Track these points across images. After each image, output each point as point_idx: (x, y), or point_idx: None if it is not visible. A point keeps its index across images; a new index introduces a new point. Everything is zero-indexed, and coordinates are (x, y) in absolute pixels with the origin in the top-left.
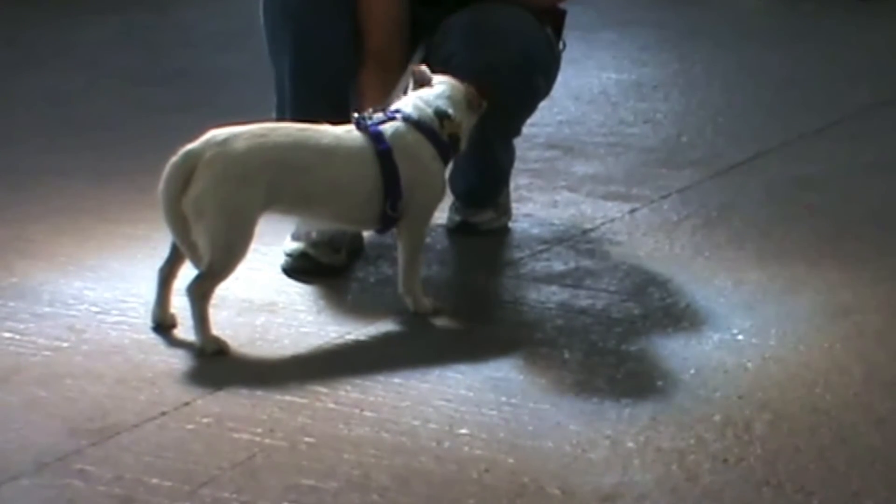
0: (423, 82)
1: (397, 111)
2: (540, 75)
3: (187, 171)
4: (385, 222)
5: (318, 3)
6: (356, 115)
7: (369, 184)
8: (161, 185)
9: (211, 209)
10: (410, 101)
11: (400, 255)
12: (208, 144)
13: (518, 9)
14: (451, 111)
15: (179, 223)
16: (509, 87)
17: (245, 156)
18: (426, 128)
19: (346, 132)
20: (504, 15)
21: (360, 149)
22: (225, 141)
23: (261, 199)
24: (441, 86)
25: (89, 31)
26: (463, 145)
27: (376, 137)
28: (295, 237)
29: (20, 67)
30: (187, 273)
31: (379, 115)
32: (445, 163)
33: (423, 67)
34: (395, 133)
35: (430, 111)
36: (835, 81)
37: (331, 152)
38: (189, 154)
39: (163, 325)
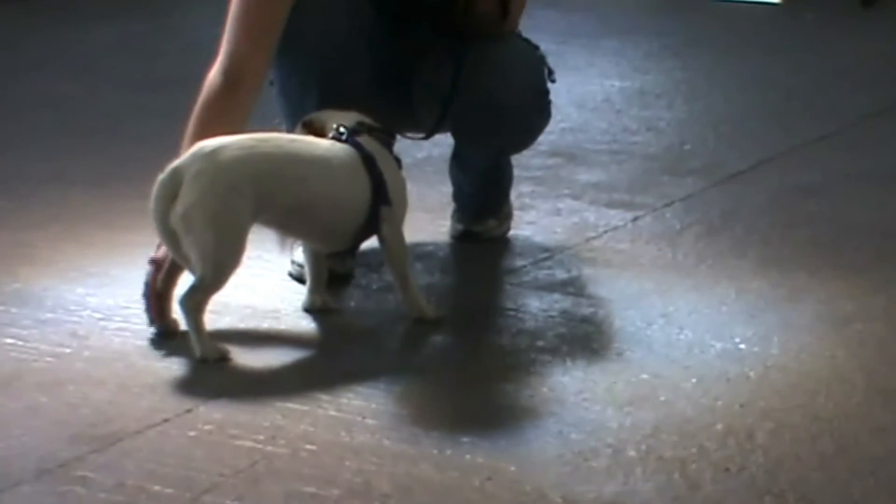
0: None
1: (360, 125)
2: (546, 99)
3: (175, 187)
4: (370, 229)
5: (343, 47)
6: (334, 127)
7: (361, 190)
8: (151, 203)
9: (199, 222)
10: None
11: (392, 271)
12: (195, 157)
13: (515, 41)
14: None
15: (172, 238)
16: (525, 122)
17: (233, 166)
18: (388, 142)
19: (332, 143)
20: (505, 51)
21: (349, 157)
22: (212, 153)
23: (250, 209)
24: (353, 117)
25: (87, 37)
26: None
27: (358, 147)
28: None
29: (18, 73)
30: (187, 279)
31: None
32: None
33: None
34: (370, 143)
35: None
36: (836, 89)
37: (325, 162)
38: (176, 170)
39: (165, 332)
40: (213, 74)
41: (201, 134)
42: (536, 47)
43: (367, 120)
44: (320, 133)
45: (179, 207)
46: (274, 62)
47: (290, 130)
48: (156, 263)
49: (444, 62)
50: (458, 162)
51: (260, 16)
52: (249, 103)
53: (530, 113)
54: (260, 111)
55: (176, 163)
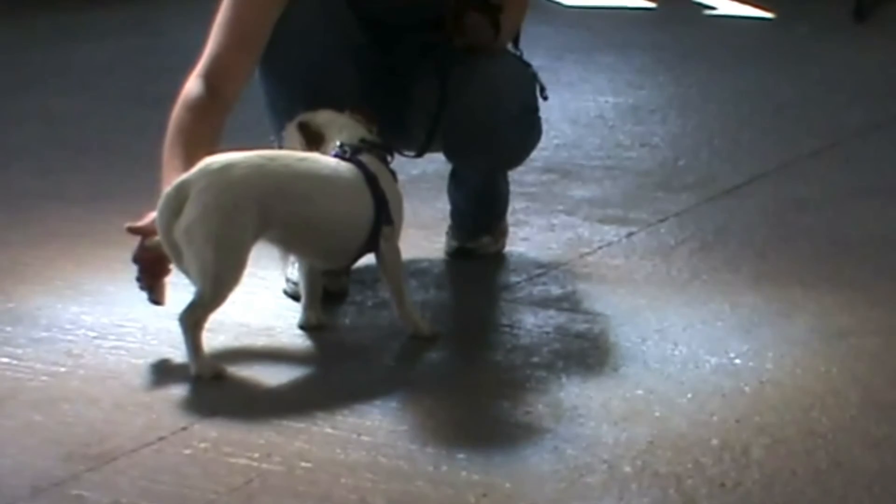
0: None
1: (362, 141)
2: (535, 116)
3: (181, 201)
4: (369, 247)
5: (329, 63)
6: (338, 145)
7: (365, 211)
8: (156, 216)
9: (200, 238)
10: (358, 134)
11: (388, 284)
12: (202, 173)
13: (505, 57)
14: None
15: (176, 251)
16: (515, 138)
17: (239, 184)
18: (384, 157)
19: (337, 162)
20: (495, 68)
21: (354, 177)
22: (220, 169)
23: (254, 227)
24: (352, 127)
25: (86, 53)
26: None
27: (361, 166)
28: None
29: (17, 90)
30: (183, 297)
31: (347, 147)
32: None
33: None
34: (371, 161)
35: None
36: (831, 104)
37: (332, 181)
38: (182, 184)
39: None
40: (193, 78)
41: (179, 138)
42: (528, 64)
43: (367, 133)
44: (316, 137)
45: (183, 221)
46: (261, 78)
47: (280, 145)
48: (138, 231)
49: (433, 79)
50: (455, 180)
51: (245, 24)
52: (227, 109)
53: (519, 131)
54: (257, 128)
55: (183, 177)
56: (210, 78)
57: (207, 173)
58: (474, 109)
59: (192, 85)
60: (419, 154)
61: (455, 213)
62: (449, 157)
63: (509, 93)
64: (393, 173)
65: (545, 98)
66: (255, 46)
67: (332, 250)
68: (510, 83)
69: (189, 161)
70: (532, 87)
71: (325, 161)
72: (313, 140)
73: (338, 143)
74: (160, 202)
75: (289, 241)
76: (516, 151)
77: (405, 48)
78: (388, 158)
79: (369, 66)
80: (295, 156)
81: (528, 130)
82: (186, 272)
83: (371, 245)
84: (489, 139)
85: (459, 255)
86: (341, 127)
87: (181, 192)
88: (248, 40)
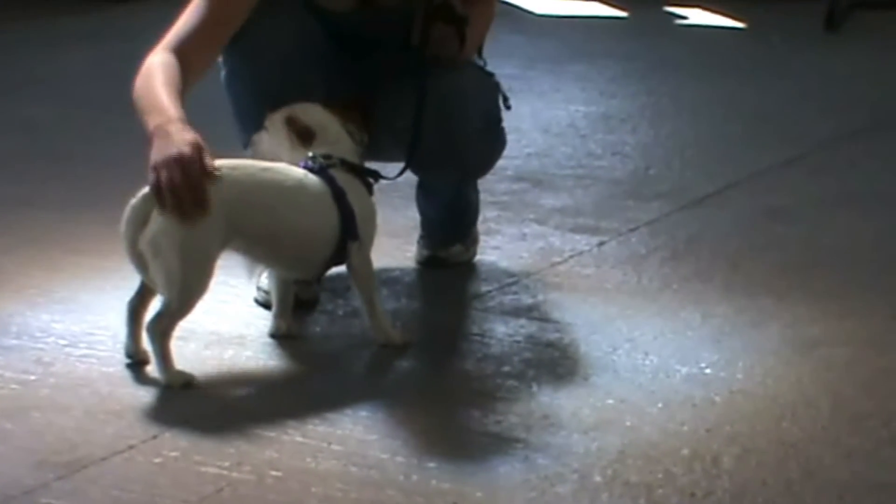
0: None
1: (329, 155)
2: (499, 126)
3: (147, 212)
4: (338, 260)
5: (297, 76)
6: (309, 157)
7: (329, 225)
8: (121, 226)
9: (167, 248)
10: (341, 151)
11: (359, 295)
12: None
13: (469, 69)
14: (356, 157)
15: (140, 262)
16: (480, 149)
17: None
18: (358, 168)
19: (304, 174)
20: (458, 82)
21: (321, 191)
22: None
23: (219, 236)
24: (333, 135)
25: (61, 60)
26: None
27: (330, 181)
28: None
29: None
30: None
31: (319, 159)
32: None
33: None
34: (342, 176)
35: (354, 155)
36: (803, 113)
37: (296, 194)
38: (148, 195)
39: (135, 358)
40: (158, 51)
41: (155, 83)
42: (491, 74)
43: (347, 156)
44: (306, 132)
45: (149, 232)
46: (229, 87)
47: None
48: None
49: (402, 91)
50: (423, 190)
51: (214, 13)
52: (190, 84)
53: (484, 142)
54: (226, 138)
55: (147, 189)
56: (177, 53)
57: None
58: (439, 121)
59: (158, 54)
60: (399, 174)
61: (425, 223)
62: (414, 169)
63: (473, 104)
64: (369, 186)
65: (508, 107)
66: (223, 36)
67: (297, 262)
68: (474, 94)
69: (173, 92)
70: (495, 97)
71: (292, 172)
72: (304, 135)
73: (309, 154)
74: (126, 212)
75: (254, 251)
76: (481, 162)
77: (374, 60)
78: (371, 181)
79: (338, 79)
80: (259, 166)
81: (492, 141)
82: (153, 282)
83: (338, 258)
84: (454, 151)
85: (430, 263)
86: (332, 140)
87: (147, 202)
88: (218, 29)
